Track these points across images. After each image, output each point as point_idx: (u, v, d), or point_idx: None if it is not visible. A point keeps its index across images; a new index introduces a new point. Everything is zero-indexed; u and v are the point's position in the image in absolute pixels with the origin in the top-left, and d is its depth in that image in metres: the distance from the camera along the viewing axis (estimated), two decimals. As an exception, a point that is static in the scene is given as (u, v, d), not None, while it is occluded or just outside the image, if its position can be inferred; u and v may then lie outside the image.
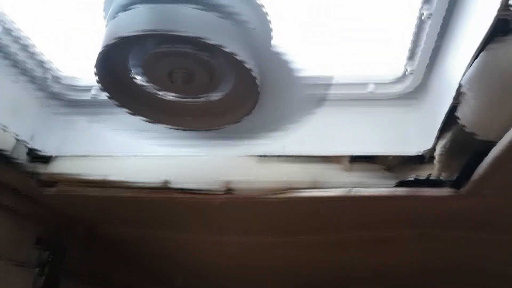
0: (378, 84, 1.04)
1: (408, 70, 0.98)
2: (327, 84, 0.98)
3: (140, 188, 1.07)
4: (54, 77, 1.07)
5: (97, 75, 0.72)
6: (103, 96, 0.81)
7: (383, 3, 0.92)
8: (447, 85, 0.85)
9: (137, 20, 0.64)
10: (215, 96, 0.80)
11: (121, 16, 0.65)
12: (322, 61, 1.01)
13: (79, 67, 1.11)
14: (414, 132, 1.02)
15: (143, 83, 0.77)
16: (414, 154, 1.00)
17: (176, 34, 0.63)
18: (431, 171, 1.00)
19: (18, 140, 1.01)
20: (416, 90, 1.02)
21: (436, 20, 0.82)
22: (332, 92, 1.04)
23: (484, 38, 0.64)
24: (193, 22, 0.64)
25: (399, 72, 1.02)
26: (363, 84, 1.05)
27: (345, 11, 0.94)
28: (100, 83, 0.74)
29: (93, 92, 1.09)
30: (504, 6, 0.59)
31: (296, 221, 1.18)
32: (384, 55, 1.03)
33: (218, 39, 0.64)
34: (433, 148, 0.96)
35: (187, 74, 0.72)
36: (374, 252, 1.35)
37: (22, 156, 1.03)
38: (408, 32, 0.91)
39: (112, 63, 0.71)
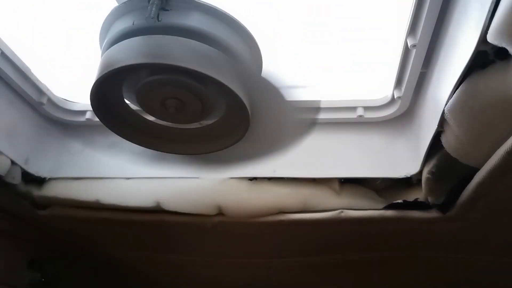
0: (367, 108, 1.07)
1: (396, 95, 1.00)
2: (316, 108, 1.01)
3: (132, 210, 1.09)
4: (50, 101, 1.09)
5: (92, 103, 0.73)
6: (97, 119, 0.83)
7: (371, 30, 0.95)
8: (432, 111, 0.87)
9: (131, 52, 0.66)
10: (206, 122, 0.82)
11: (115, 47, 0.68)
12: (313, 85, 1.04)
13: (74, 91, 1.14)
14: (402, 156, 1.04)
15: (136, 109, 0.79)
16: (402, 177, 1.02)
17: (168, 65, 0.65)
18: (419, 194, 1.02)
19: (13, 163, 1.03)
20: (404, 115, 1.04)
21: (421, 49, 0.85)
22: (322, 115, 1.07)
23: (464, 70, 0.67)
24: (182, 52, 0.67)
25: (387, 97, 1.05)
26: (352, 108, 1.07)
27: (335, 37, 0.97)
28: (95, 111, 0.76)
29: (87, 115, 1.11)
30: (482, 41, 0.61)
31: (287, 243, 1.20)
32: (372, 80, 1.06)
33: (209, 70, 0.66)
34: (420, 172, 0.98)
35: (180, 102, 0.74)
36: (364, 274, 1.36)
37: (16, 179, 1.04)
38: (395, 58, 0.94)
39: (107, 91, 0.74)
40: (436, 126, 0.83)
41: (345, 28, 0.94)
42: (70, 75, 1.09)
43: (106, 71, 0.65)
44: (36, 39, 1.00)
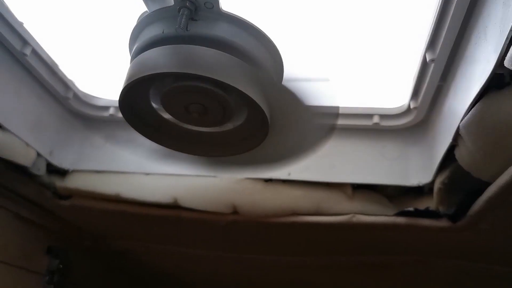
0: (383, 116, 1.09)
1: (412, 105, 1.02)
2: (335, 114, 1.03)
3: (150, 205, 1.12)
4: (76, 96, 1.13)
5: (120, 105, 0.77)
6: (120, 115, 0.86)
7: (391, 41, 0.97)
8: (447, 124, 0.89)
9: (160, 60, 0.69)
10: (227, 127, 0.85)
11: (145, 54, 0.71)
12: (332, 94, 1.06)
13: (99, 86, 1.18)
14: (415, 165, 1.06)
15: (162, 113, 0.82)
16: (414, 186, 1.05)
17: (194, 74, 0.68)
18: (430, 202, 1.04)
19: (38, 155, 1.07)
20: (419, 125, 1.06)
21: (439, 63, 0.87)
22: (339, 121, 1.09)
23: (481, 90, 0.69)
24: (207, 62, 0.69)
25: (403, 106, 1.07)
26: (369, 116, 1.09)
27: (354, 47, 0.99)
28: (122, 112, 0.79)
29: (111, 111, 1.15)
30: (499, 64, 0.63)
31: (298, 243, 1.23)
32: (390, 89, 1.08)
33: (231, 79, 0.69)
34: (432, 181, 1.01)
35: (202, 108, 0.77)
36: (372, 276, 1.39)
37: (41, 170, 1.09)
38: (413, 69, 0.96)
39: (135, 94, 0.77)
40: (450, 140, 0.85)
41: (365, 38, 0.96)
42: (96, 71, 1.12)
43: (136, 77, 0.68)
44: (65, 36, 1.04)
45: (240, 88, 0.71)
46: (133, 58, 0.75)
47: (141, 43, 0.73)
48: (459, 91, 0.83)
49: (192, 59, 0.69)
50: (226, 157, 0.94)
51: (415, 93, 1.00)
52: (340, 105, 1.05)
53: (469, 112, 0.75)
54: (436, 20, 0.80)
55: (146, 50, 0.71)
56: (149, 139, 0.87)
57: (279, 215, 1.08)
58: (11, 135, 0.99)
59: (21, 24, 0.93)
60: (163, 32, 0.71)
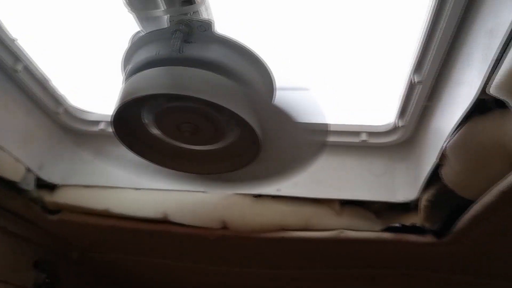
0: (371, 134, 1.11)
1: (399, 124, 1.05)
2: (325, 132, 1.05)
3: (140, 220, 1.13)
4: (66, 111, 1.13)
5: (113, 123, 0.77)
6: (110, 129, 0.86)
7: (378, 62, 0.99)
8: (433, 143, 0.92)
9: (154, 82, 0.70)
10: (219, 145, 0.86)
11: (139, 75, 0.72)
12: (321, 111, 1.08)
13: (90, 101, 1.18)
14: (401, 182, 1.08)
15: (154, 131, 0.83)
16: (400, 202, 1.07)
17: (187, 96, 0.69)
18: (416, 218, 1.06)
19: (27, 170, 1.07)
20: (405, 142, 1.09)
21: (426, 85, 0.90)
22: (328, 139, 1.11)
23: (465, 114, 0.71)
24: (200, 84, 0.71)
25: (390, 124, 1.09)
26: (356, 133, 1.11)
27: (343, 65, 1.01)
28: (116, 131, 0.80)
29: (101, 126, 1.15)
30: (483, 91, 0.66)
31: (287, 258, 1.24)
32: (377, 108, 1.10)
33: (223, 100, 0.71)
34: (418, 198, 1.03)
35: (194, 127, 0.79)
36: (361, 288, 1.41)
37: (30, 185, 1.09)
38: (400, 88, 0.99)
39: (128, 113, 0.78)
40: (436, 159, 0.87)
41: (354, 57, 0.99)
42: (87, 85, 1.13)
43: (131, 97, 0.70)
44: (58, 51, 1.04)
45: (232, 109, 0.72)
46: (127, 77, 0.76)
47: (136, 64, 0.74)
48: (445, 112, 0.86)
49: (185, 80, 0.71)
50: (217, 175, 0.95)
51: (402, 112, 1.02)
52: (329, 122, 1.07)
53: (454, 133, 0.77)
54: (422, 44, 0.82)
55: (141, 71, 0.73)
56: (141, 157, 0.88)
57: (268, 231, 1.10)
58: (0, 150, 0.98)
59: (13, 40, 0.93)
60: (157, 54, 0.73)
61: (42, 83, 1.04)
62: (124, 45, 0.81)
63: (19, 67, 0.96)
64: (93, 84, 1.11)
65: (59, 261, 1.38)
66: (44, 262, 1.32)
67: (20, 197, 1.11)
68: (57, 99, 1.10)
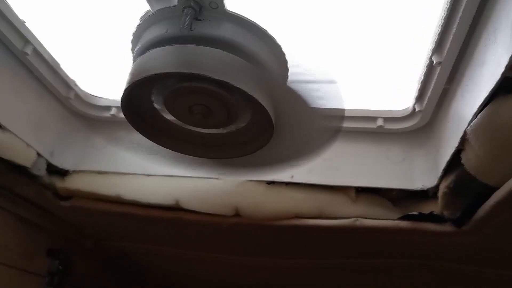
0: (387, 119, 1.07)
1: (417, 108, 1.01)
2: (340, 117, 1.02)
3: (152, 207, 1.11)
4: (77, 96, 1.12)
5: (122, 105, 0.76)
6: (122, 115, 0.85)
7: (395, 43, 0.95)
8: (454, 127, 0.88)
9: (164, 60, 0.68)
10: (231, 129, 0.84)
11: (149, 54, 0.70)
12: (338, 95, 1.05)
13: (101, 86, 1.16)
14: (420, 168, 1.05)
15: (164, 114, 0.81)
16: (419, 189, 1.03)
17: (198, 75, 0.67)
18: (435, 206, 1.03)
19: (39, 155, 1.06)
20: (424, 128, 1.05)
21: (446, 66, 0.86)
22: (343, 124, 1.08)
23: (489, 93, 0.68)
24: (212, 63, 0.68)
25: (408, 109, 1.05)
26: (373, 118, 1.08)
27: (359, 49, 0.98)
28: (124, 112, 0.78)
29: (112, 111, 1.13)
30: (510, 67, 0.62)
31: (301, 246, 1.22)
32: (394, 92, 1.07)
33: (236, 80, 0.68)
34: (437, 185, 0.99)
35: (206, 109, 0.76)
36: (375, 279, 1.38)
37: (41, 170, 1.08)
38: (418, 71, 0.95)
39: (137, 94, 0.76)
40: (457, 144, 0.83)
41: (370, 39, 0.95)
42: (98, 71, 1.11)
43: (139, 77, 0.68)
44: (68, 35, 1.03)
45: (244, 89, 0.70)
46: (135, 58, 0.74)
47: (144, 43, 0.72)
48: (466, 94, 0.82)
49: (196, 59, 0.68)
50: (230, 160, 0.93)
51: (420, 96, 0.98)
52: (345, 108, 1.04)
53: (477, 116, 0.74)
54: (444, 21, 0.79)
55: (149, 50, 0.70)
56: (151, 140, 0.86)
57: (281, 218, 1.07)
58: (12, 135, 0.97)
59: (22, 22, 0.92)
60: (166, 32, 0.70)
61: (52, 67, 1.02)
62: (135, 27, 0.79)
63: (29, 50, 0.94)
64: (105, 69, 1.10)
65: (72, 250, 1.38)
66: (58, 250, 1.32)
67: (32, 183, 1.10)
68: (68, 84, 1.09)
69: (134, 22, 0.80)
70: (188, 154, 0.90)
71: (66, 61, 1.07)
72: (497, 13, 0.67)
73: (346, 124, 1.08)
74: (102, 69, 1.10)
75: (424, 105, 0.99)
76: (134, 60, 0.75)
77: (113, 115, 1.13)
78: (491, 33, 0.70)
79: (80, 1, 0.96)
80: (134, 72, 0.70)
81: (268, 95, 0.75)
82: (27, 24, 0.93)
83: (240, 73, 0.71)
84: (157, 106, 0.80)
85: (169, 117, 0.82)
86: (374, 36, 0.94)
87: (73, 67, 1.09)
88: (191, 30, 0.69)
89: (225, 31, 0.71)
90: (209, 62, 0.68)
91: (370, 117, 1.08)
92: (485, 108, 0.71)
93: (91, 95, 1.15)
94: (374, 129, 1.08)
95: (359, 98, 1.08)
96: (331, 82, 0.80)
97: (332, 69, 1.02)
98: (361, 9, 0.90)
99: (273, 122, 0.75)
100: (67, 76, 1.08)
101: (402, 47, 0.96)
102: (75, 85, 1.11)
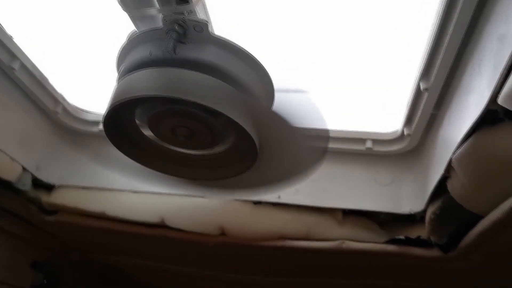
0: (376, 141, 1.07)
1: (405, 132, 1.01)
2: (326, 138, 1.01)
3: (137, 223, 1.10)
4: (65, 110, 1.11)
5: (105, 127, 0.75)
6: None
7: (384, 67, 0.95)
8: (441, 153, 0.88)
9: (146, 83, 0.67)
10: (215, 150, 0.83)
11: (132, 76, 0.69)
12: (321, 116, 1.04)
13: (89, 100, 1.16)
14: (407, 192, 1.04)
15: (148, 134, 0.80)
16: (406, 213, 1.03)
17: (181, 99, 0.66)
18: (422, 231, 1.02)
19: (24, 169, 1.05)
20: (412, 151, 1.05)
21: (433, 92, 0.86)
22: (331, 145, 1.07)
23: (473, 125, 0.67)
24: (194, 87, 0.67)
25: (397, 132, 1.05)
26: (362, 140, 1.07)
27: (349, 70, 0.98)
28: (107, 132, 0.77)
29: (100, 126, 1.12)
30: (493, 101, 0.62)
31: (287, 266, 1.20)
32: (383, 114, 1.06)
33: (219, 105, 0.67)
34: (424, 210, 0.98)
35: (189, 131, 0.75)
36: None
37: (26, 185, 1.07)
38: (407, 95, 0.95)
39: (120, 115, 0.75)
40: (442, 171, 0.83)
41: (359, 62, 0.95)
42: (87, 85, 1.11)
43: (121, 99, 0.67)
44: (56, 50, 1.03)
45: (228, 114, 0.69)
46: (120, 77, 0.73)
47: (128, 64, 0.72)
48: (453, 121, 0.82)
49: (179, 83, 0.67)
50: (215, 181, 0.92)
51: (408, 120, 0.98)
52: (331, 128, 1.04)
53: (461, 145, 0.73)
54: (430, 49, 0.78)
55: (133, 72, 0.70)
56: (135, 161, 0.85)
57: (267, 239, 1.06)
58: (-4, 149, 0.97)
59: (10, 38, 0.91)
60: (150, 55, 0.70)
61: (40, 82, 1.02)
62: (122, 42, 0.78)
63: (16, 65, 0.94)
64: (93, 83, 1.09)
65: (58, 262, 1.36)
66: (43, 262, 1.30)
67: (17, 197, 1.09)
68: (55, 98, 1.08)
69: (123, 37, 0.80)
70: (171, 175, 0.89)
71: (55, 75, 1.06)
72: (482, 45, 0.67)
73: (335, 145, 1.08)
74: (91, 82, 1.09)
75: (412, 128, 0.98)
76: (118, 80, 0.74)
77: (101, 130, 1.12)
78: (476, 63, 0.69)
79: (69, 15, 0.96)
80: (116, 93, 0.69)
81: (252, 120, 0.74)
82: (15, 40, 0.93)
83: (224, 97, 0.70)
84: (140, 127, 0.79)
85: (153, 138, 0.81)
86: (364, 58, 0.94)
87: (62, 81, 1.08)
88: (175, 54, 0.68)
89: (209, 55, 0.71)
90: (192, 86, 0.68)
91: (359, 139, 1.07)
92: (469, 139, 0.71)
93: (80, 109, 1.14)
94: (363, 151, 1.07)
95: (349, 120, 1.07)
96: (313, 105, 0.79)
97: (321, 90, 1.01)
98: (352, 32, 0.90)
99: (257, 146, 0.74)
100: (55, 90, 1.07)
101: (392, 71, 0.96)
102: (64, 99, 1.10)
